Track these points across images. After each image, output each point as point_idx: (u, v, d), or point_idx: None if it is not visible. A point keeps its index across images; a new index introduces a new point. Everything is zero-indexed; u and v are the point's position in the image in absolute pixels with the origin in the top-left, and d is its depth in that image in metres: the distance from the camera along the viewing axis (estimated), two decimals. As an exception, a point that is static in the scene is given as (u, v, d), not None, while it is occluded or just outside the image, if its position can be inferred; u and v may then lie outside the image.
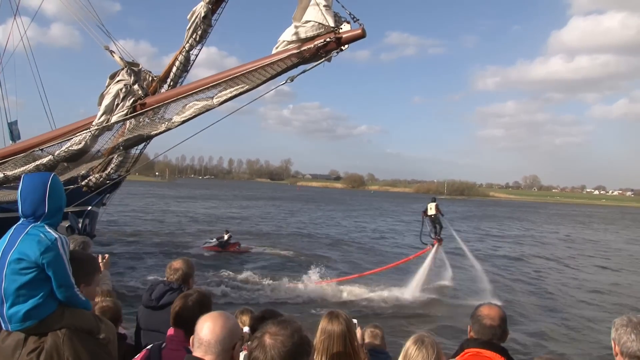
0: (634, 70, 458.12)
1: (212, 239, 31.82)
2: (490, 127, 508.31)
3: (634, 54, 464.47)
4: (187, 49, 8.98)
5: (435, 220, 23.82)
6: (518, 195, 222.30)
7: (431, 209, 23.79)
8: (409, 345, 3.11)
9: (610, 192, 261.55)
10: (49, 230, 3.13)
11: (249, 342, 2.32)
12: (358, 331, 3.93)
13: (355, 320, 3.91)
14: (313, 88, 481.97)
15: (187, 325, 2.80)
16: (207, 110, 7.31)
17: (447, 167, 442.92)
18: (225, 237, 31.43)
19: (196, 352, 2.57)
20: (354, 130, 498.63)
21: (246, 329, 4.04)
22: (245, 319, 4.78)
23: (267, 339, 2.23)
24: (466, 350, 3.43)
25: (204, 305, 3.59)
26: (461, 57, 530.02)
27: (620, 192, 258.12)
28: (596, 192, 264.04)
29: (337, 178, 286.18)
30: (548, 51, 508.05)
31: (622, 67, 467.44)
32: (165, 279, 4.85)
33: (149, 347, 3.63)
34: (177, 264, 4.91)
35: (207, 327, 2.58)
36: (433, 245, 23.62)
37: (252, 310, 5.26)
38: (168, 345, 3.50)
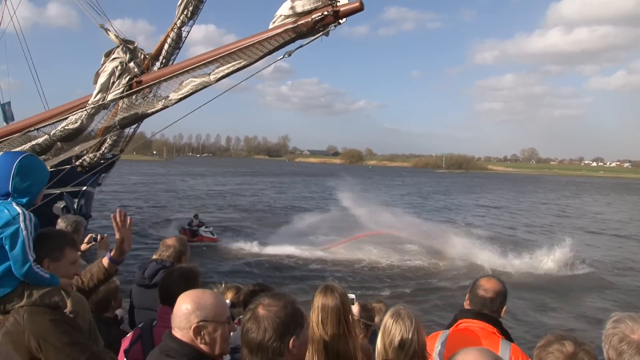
0: (633, 42, 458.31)
1: (205, 228, 27.93)
2: (489, 100, 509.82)
3: (633, 25, 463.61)
4: (178, 25, 8.79)
5: None
6: (516, 168, 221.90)
7: None
8: (387, 320, 3.13)
9: (608, 163, 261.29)
10: (15, 206, 3.07)
11: (241, 316, 2.33)
12: (356, 307, 3.93)
13: (352, 296, 3.93)
14: (312, 64, 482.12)
15: (173, 301, 2.79)
16: (205, 87, 7.22)
17: (445, 141, 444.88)
18: (196, 221, 28.16)
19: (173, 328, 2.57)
20: (352, 106, 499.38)
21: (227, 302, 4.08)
22: (230, 294, 4.77)
23: (261, 310, 2.26)
24: (460, 321, 3.45)
25: (189, 280, 3.56)
26: (460, 31, 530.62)
27: (618, 163, 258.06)
28: (594, 164, 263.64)
29: (335, 154, 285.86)
30: (546, 24, 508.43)
31: (621, 38, 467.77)
32: (157, 256, 4.82)
33: (140, 325, 3.66)
34: (170, 241, 4.90)
35: (177, 303, 2.56)
36: None
37: (239, 287, 5.25)
38: (159, 322, 3.51)
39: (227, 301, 4.19)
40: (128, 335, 3.62)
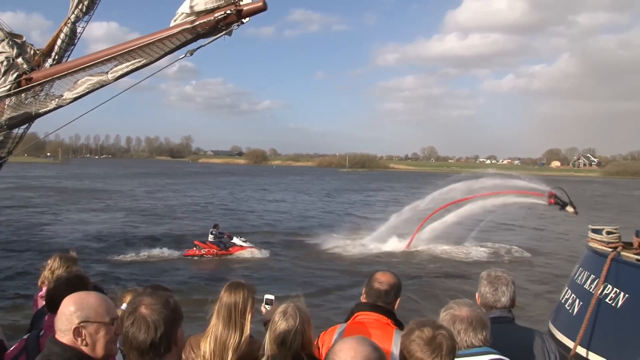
0: (520, 48, 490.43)
1: (238, 238, 25.98)
2: (391, 101, 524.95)
3: (519, 33, 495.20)
4: (72, 20, 8.31)
5: None
6: (416, 167, 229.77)
7: None
8: (274, 317, 3.22)
9: (501, 161, 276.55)
10: None
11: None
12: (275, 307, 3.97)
13: (272, 297, 4.03)
14: (217, 64, 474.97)
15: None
16: (102, 86, 6.92)
17: (349, 141, 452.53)
18: (216, 231, 25.68)
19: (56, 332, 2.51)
20: (257, 106, 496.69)
21: (124, 306, 4.07)
22: (128, 297, 4.67)
23: (144, 310, 2.26)
24: (356, 314, 3.56)
25: (78, 287, 3.34)
26: (363, 34, 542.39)
27: (509, 160, 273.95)
28: (488, 161, 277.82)
29: (240, 154, 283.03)
30: (444, 29, 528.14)
31: (509, 45, 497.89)
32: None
33: (25, 336, 3.48)
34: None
35: (61, 306, 2.52)
36: None
37: (137, 289, 5.14)
38: (46, 332, 3.33)
39: (124, 305, 4.13)
40: (12, 348, 3.41)
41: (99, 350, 2.49)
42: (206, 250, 24.65)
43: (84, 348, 2.45)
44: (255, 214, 43.40)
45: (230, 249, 25.03)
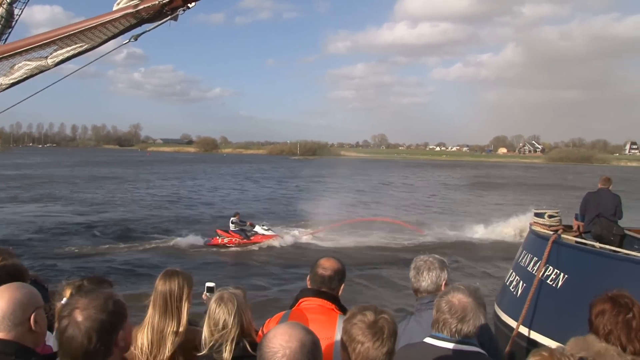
0: (468, 38, 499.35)
1: (260, 226, 25.37)
2: (342, 88, 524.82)
3: (467, 22, 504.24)
4: (8, 1, 7.97)
5: None
6: (368, 154, 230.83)
7: None
8: (211, 304, 3.19)
9: (450, 148, 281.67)
10: None
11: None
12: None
13: (212, 284, 3.98)
14: (167, 51, 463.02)
15: None
16: (41, 71, 6.66)
17: (300, 128, 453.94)
18: (235, 219, 24.94)
19: None
20: (207, 93, 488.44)
21: (64, 300, 3.90)
22: (68, 291, 4.57)
23: (78, 315, 2.08)
24: (301, 300, 3.58)
25: (18, 280, 3.21)
26: (314, 21, 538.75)
27: (458, 147, 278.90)
28: (438, 148, 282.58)
29: (190, 142, 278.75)
30: (394, 18, 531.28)
31: (457, 34, 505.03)
32: None
33: None
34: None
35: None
36: None
37: (76, 282, 5.00)
38: None
39: (64, 299, 4.06)
40: None
41: (45, 333, 2.51)
42: (229, 239, 24.02)
43: (36, 334, 2.43)
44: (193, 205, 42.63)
45: (252, 238, 24.41)
